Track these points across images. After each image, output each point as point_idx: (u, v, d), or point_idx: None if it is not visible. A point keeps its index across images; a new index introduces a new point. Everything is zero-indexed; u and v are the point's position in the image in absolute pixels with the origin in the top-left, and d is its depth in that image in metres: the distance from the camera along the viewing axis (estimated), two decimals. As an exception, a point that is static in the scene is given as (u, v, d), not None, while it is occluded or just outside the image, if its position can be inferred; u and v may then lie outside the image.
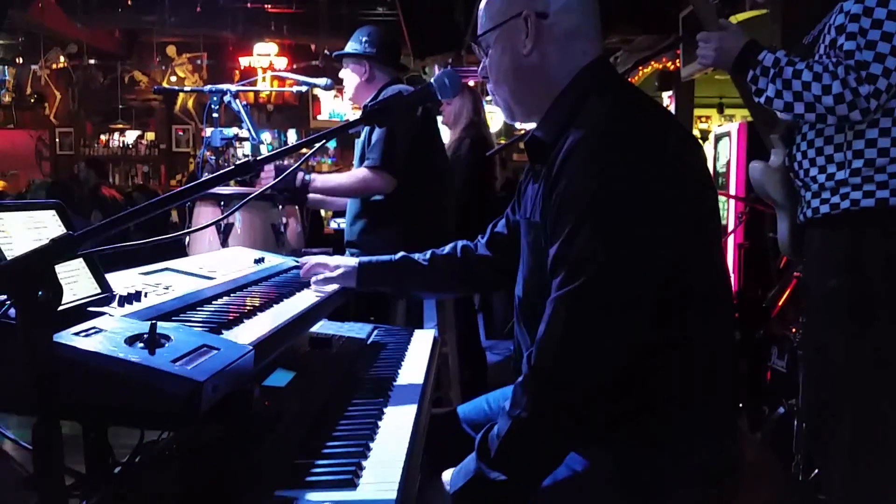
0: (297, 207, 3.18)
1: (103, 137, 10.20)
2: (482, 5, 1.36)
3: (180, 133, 10.18)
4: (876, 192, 1.79)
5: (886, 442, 1.86)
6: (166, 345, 1.00)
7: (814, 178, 1.89)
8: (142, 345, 0.99)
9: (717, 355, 1.24)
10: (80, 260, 1.16)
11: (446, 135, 3.90)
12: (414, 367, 1.64)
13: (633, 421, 1.19)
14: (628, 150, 1.16)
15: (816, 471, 2.55)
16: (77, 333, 0.99)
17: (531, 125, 1.38)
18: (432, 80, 1.51)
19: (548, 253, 1.19)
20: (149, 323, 1.02)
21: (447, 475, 1.27)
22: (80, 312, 1.09)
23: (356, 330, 1.93)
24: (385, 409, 1.33)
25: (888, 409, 1.86)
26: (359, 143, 2.86)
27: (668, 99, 7.95)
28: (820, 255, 1.94)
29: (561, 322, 1.12)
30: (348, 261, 1.75)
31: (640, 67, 7.30)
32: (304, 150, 1.32)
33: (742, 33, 1.90)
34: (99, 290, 1.17)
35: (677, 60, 6.68)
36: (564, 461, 1.20)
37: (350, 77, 2.94)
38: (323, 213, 6.54)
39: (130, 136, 10.27)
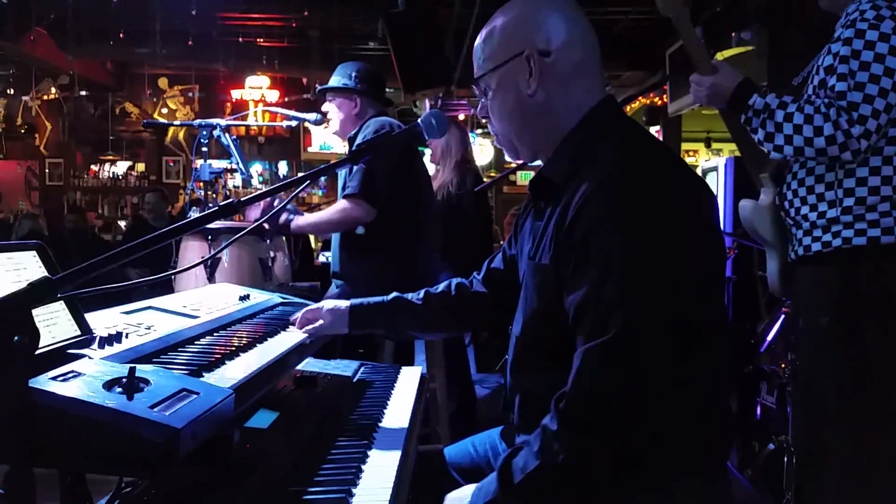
0: (284, 240, 3.18)
1: (93, 168, 10.19)
2: (478, 43, 1.33)
3: (171, 164, 10.20)
4: (867, 231, 1.80)
5: (879, 478, 1.85)
6: (145, 389, 0.98)
7: (805, 216, 1.90)
8: (120, 390, 0.98)
9: (715, 396, 1.23)
10: (61, 302, 1.15)
11: (430, 168, 3.94)
12: (400, 407, 1.62)
13: (622, 463, 1.17)
14: (649, 201, 1.14)
15: (807, 509, 2.53)
16: (55, 378, 0.97)
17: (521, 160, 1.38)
18: (419, 121, 1.52)
19: (562, 299, 1.17)
20: (128, 367, 1.00)
21: (458, 494, 1.26)
22: (59, 355, 1.08)
23: (342, 367, 1.91)
24: (369, 452, 1.31)
25: (881, 446, 1.85)
26: (341, 174, 2.88)
27: (655, 133, 8.03)
28: (811, 293, 1.94)
29: (593, 372, 1.10)
30: (339, 303, 1.71)
31: (628, 104, 7.39)
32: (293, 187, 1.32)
33: (735, 73, 1.92)
34: (79, 332, 1.15)
35: (664, 96, 6.76)
36: None
37: (335, 111, 2.97)
38: (313, 243, 6.54)
39: (121, 166, 10.27)
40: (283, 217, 2.80)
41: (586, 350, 1.11)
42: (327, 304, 1.70)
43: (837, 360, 1.85)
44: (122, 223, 9.63)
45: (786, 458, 2.68)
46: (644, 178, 1.17)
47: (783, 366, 3.00)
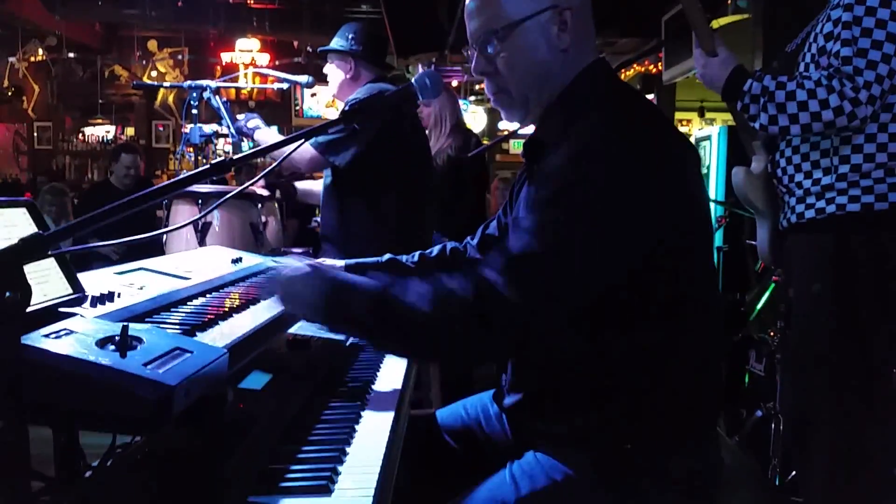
0: (276, 205, 3.16)
1: (85, 131, 10.07)
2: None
3: (160, 129, 10.08)
4: (861, 197, 1.80)
5: (868, 445, 1.88)
6: (138, 347, 0.98)
7: (799, 183, 1.90)
8: (113, 347, 0.97)
9: (704, 362, 1.23)
10: (52, 259, 1.14)
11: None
12: (393, 369, 1.63)
13: (615, 426, 1.18)
14: (628, 152, 1.14)
15: (793, 473, 2.57)
16: (47, 335, 0.97)
17: (514, 125, 1.35)
18: (413, 80, 1.50)
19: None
20: (121, 325, 1.00)
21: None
22: (51, 313, 1.07)
23: (335, 331, 1.91)
24: (362, 413, 1.31)
25: (872, 413, 1.87)
26: None
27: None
28: (805, 260, 1.95)
29: (508, 275, 1.10)
30: (334, 262, 1.71)
31: (623, 70, 7.33)
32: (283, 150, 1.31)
33: (728, 62, 1.88)
34: (71, 291, 1.14)
35: (659, 64, 6.71)
36: (544, 469, 1.19)
37: (335, 73, 2.93)
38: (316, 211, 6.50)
39: (110, 130, 10.15)
40: (252, 123, 2.81)
41: (511, 254, 1.11)
42: (324, 262, 1.70)
43: (829, 327, 1.86)
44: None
45: (773, 425, 2.72)
46: (626, 139, 1.15)
47: (772, 334, 3.03)
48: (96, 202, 3.06)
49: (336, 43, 2.91)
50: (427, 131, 4.03)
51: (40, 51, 9.20)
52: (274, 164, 2.20)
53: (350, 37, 2.87)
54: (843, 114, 1.71)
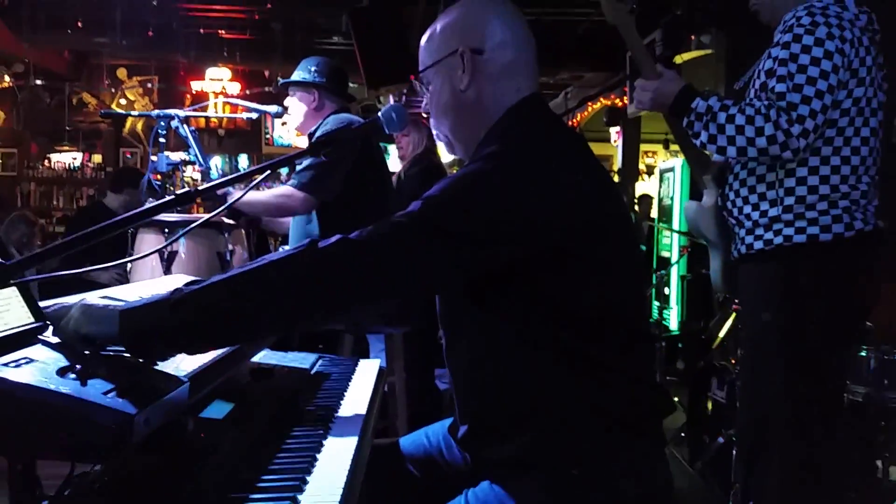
0: (243, 233, 3.16)
1: (51, 157, 9.95)
2: (423, 42, 1.40)
3: (128, 156, 10.00)
4: (807, 229, 1.87)
5: (818, 472, 1.92)
6: (98, 376, 0.99)
7: (747, 215, 1.97)
8: (73, 376, 0.98)
9: (638, 386, 1.26)
10: (14, 289, 1.14)
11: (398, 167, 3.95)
12: (357, 397, 1.64)
13: (559, 451, 1.20)
14: (517, 159, 1.22)
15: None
16: (6, 364, 0.97)
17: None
18: (380, 114, 1.53)
19: (467, 278, 1.22)
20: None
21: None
22: (12, 342, 1.07)
23: (300, 360, 1.92)
24: (325, 442, 1.32)
25: (818, 439, 1.92)
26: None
27: (615, 134, 8.14)
28: (754, 290, 2.01)
29: (388, 232, 1.16)
30: None
31: (589, 103, 7.48)
32: (253, 178, 1.33)
33: (678, 79, 1.97)
34: (32, 319, 1.15)
35: (625, 97, 6.86)
36: (498, 498, 1.21)
37: (297, 105, 2.97)
38: (270, 241, 6.47)
39: (77, 157, 10.05)
40: (222, 191, 2.80)
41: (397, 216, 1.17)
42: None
43: (779, 355, 1.92)
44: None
45: (734, 451, 2.76)
46: (524, 153, 1.23)
47: (734, 362, 3.09)
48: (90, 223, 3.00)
49: (298, 76, 2.96)
50: (403, 159, 4.09)
51: (7, 77, 9.12)
52: (243, 193, 2.21)
53: (313, 69, 2.94)
54: (775, 143, 1.78)
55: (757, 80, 1.95)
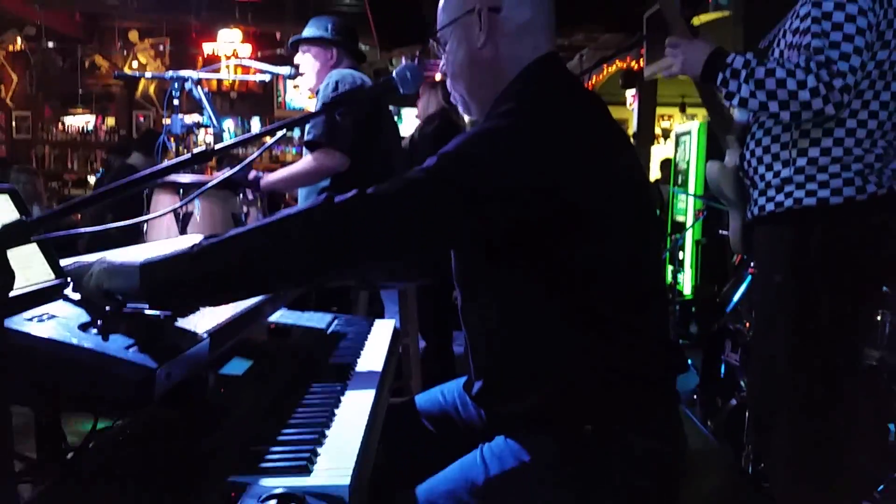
0: (258, 195, 3.16)
1: (64, 121, 9.97)
2: (441, 2, 1.39)
3: (141, 119, 10.00)
4: (818, 192, 1.84)
5: (827, 434, 1.93)
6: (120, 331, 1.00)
7: (762, 176, 1.94)
8: (95, 331, 0.99)
9: (651, 344, 1.27)
10: (35, 245, 1.15)
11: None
12: (373, 355, 1.66)
13: (573, 407, 1.21)
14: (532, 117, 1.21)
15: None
16: (30, 319, 0.99)
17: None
18: (394, 73, 1.52)
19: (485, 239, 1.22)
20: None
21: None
22: (34, 298, 1.09)
23: (316, 320, 1.94)
24: (342, 397, 1.34)
25: (829, 402, 1.92)
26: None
27: (631, 97, 8.05)
28: (766, 252, 2.00)
29: (404, 187, 1.16)
30: None
31: (605, 66, 7.38)
32: (266, 139, 1.32)
33: (709, 43, 1.92)
34: (53, 276, 1.16)
35: (641, 59, 6.76)
36: (513, 452, 1.22)
37: (310, 62, 2.94)
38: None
39: (90, 120, 10.07)
40: (252, 174, 2.79)
41: (416, 170, 1.17)
42: None
43: (790, 317, 1.91)
44: (93, 179, 9.46)
45: (747, 413, 2.77)
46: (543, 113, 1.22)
47: (748, 325, 3.08)
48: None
49: (314, 32, 2.93)
50: (419, 119, 4.07)
51: (18, 40, 9.10)
52: (256, 154, 2.21)
53: (329, 27, 2.91)
54: (818, 95, 1.73)
55: (782, 39, 1.91)
